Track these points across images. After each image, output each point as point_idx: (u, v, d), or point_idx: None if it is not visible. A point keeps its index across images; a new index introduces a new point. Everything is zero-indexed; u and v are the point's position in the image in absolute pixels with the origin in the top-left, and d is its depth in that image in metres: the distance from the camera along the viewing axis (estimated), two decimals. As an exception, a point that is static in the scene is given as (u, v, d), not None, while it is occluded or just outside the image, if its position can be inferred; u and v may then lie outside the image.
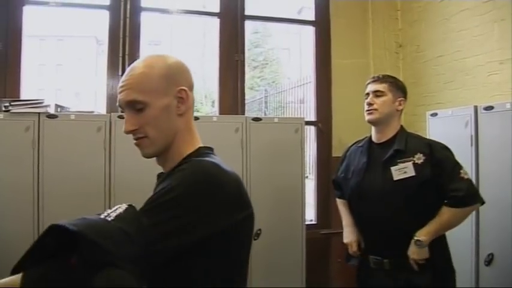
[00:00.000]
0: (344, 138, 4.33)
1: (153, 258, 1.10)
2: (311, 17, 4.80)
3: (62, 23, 21.08)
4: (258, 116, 3.85)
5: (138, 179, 3.07)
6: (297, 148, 3.84)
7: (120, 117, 3.26)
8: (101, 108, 4.08)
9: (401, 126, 2.66)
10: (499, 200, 2.92)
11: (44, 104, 3.31)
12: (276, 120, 4.00)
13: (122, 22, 4.07)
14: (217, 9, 4.46)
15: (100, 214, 1.09)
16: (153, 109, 1.30)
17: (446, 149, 2.50)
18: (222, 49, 4.43)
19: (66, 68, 24.54)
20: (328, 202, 4.49)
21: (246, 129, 3.71)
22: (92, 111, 3.68)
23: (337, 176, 2.94)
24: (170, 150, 1.35)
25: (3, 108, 3.25)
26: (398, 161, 2.49)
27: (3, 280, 1.14)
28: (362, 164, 2.67)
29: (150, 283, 1.11)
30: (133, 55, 3.99)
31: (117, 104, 1.36)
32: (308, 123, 4.53)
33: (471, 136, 3.26)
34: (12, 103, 3.26)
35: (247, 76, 4.62)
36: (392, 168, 2.49)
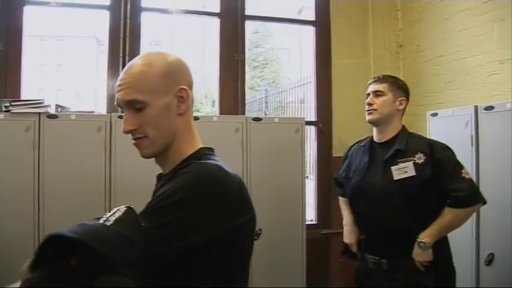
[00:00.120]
0: (344, 138, 4.34)
1: (154, 261, 1.10)
2: (311, 17, 4.80)
3: (62, 23, 21.12)
4: (259, 116, 3.85)
5: (138, 179, 3.07)
6: (297, 148, 3.84)
7: (121, 117, 3.26)
8: (101, 108, 4.09)
9: (403, 126, 2.65)
10: (500, 200, 2.92)
11: (44, 104, 3.32)
12: (276, 120, 4.00)
13: (122, 22, 4.07)
14: (217, 9, 4.46)
15: (99, 218, 1.07)
16: (153, 109, 1.27)
17: (447, 149, 2.50)
18: (222, 49, 4.43)
19: (66, 68, 24.56)
20: (328, 202, 4.50)
21: (247, 129, 3.71)
22: (92, 112, 3.68)
23: (338, 174, 2.95)
24: (170, 150, 1.33)
25: (4, 109, 3.25)
26: (399, 160, 2.49)
27: None
28: (363, 164, 2.67)
29: (152, 284, 1.10)
30: (134, 55, 3.94)
31: (115, 103, 1.32)
32: (308, 123, 4.53)
33: (471, 136, 3.26)
34: (12, 103, 3.26)
35: (247, 76, 4.62)
36: (393, 168, 2.49)
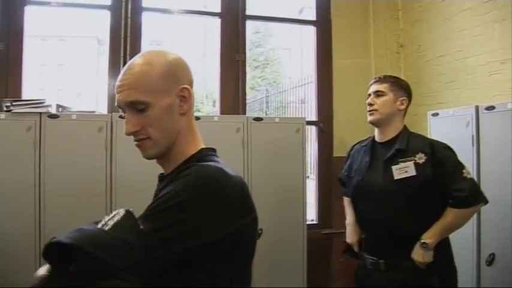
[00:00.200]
0: (345, 138, 4.34)
1: (155, 264, 1.09)
2: (312, 16, 4.80)
3: (63, 23, 21.12)
4: (259, 116, 3.85)
5: (139, 179, 3.08)
6: (298, 148, 3.84)
7: (122, 117, 3.25)
8: (102, 108, 4.09)
9: (405, 126, 2.66)
10: (501, 200, 2.91)
11: (45, 104, 3.32)
12: (277, 120, 4.01)
13: (123, 22, 4.07)
14: (218, 9, 4.46)
15: (97, 222, 1.07)
16: (156, 109, 1.25)
17: (448, 149, 2.50)
18: (223, 49, 4.43)
19: (67, 68, 24.58)
20: (329, 202, 4.51)
21: (247, 129, 3.71)
22: (93, 111, 3.69)
23: (341, 174, 2.96)
24: (172, 150, 1.31)
25: (5, 108, 3.26)
26: (400, 160, 2.49)
27: None
28: (365, 163, 2.68)
29: (153, 285, 1.10)
30: (135, 55, 3.96)
31: (116, 104, 1.30)
32: (309, 123, 4.53)
33: (472, 136, 3.26)
34: (13, 103, 3.27)
35: (248, 76, 4.63)
36: (393, 167, 2.49)
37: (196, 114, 1.40)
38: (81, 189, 3.27)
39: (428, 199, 2.44)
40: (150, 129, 1.27)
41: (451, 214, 2.40)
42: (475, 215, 3.00)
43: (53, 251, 1.02)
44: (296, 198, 3.82)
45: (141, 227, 1.09)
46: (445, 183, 2.40)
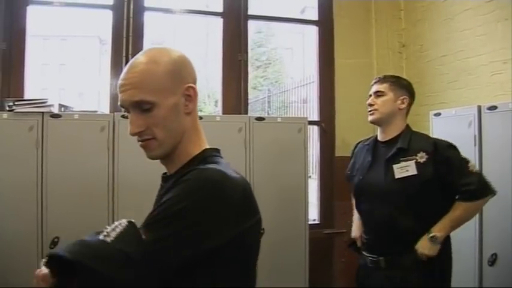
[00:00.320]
0: (347, 138, 4.34)
1: (157, 274, 1.07)
2: (314, 16, 4.80)
3: (66, 22, 21.06)
4: (261, 116, 3.85)
5: (141, 178, 3.09)
6: (300, 148, 3.84)
7: (124, 116, 3.27)
8: (105, 108, 4.09)
9: (407, 125, 2.67)
10: (503, 200, 2.90)
11: (47, 104, 3.32)
12: (279, 119, 4.01)
13: (125, 22, 4.07)
14: (220, 9, 4.46)
15: (99, 233, 1.06)
16: (162, 109, 1.22)
17: (452, 147, 2.51)
18: (225, 49, 4.43)
19: (69, 67, 24.62)
20: (331, 202, 4.51)
21: (249, 129, 3.71)
22: (96, 111, 3.70)
23: (347, 172, 2.97)
24: (176, 150, 1.28)
25: (7, 108, 3.26)
26: (401, 159, 2.50)
27: None
28: (366, 163, 2.70)
29: None
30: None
31: (119, 103, 1.26)
32: (311, 122, 4.53)
33: (474, 136, 3.26)
34: (16, 103, 3.27)
35: (250, 76, 4.62)
36: (395, 166, 2.50)
37: (198, 114, 1.38)
38: (83, 189, 3.27)
39: (429, 198, 2.45)
40: (156, 130, 1.24)
41: (460, 208, 2.42)
42: (477, 215, 3.01)
43: (55, 261, 1.02)
44: (298, 198, 3.82)
45: (143, 236, 1.07)
46: (453, 180, 2.42)
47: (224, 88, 4.42)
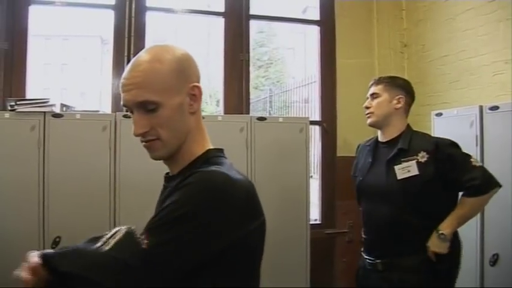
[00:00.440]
0: (349, 138, 4.34)
1: (161, 278, 1.06)
2: (316, 16, 4.80)
3: (67, 22, 21.12)
4: (263, 116, 3.86)
5: (143, 178, 3.09)
6: (302, 148, 3.84)
7: (125, 116, 3.27)
8: (106, 107, 4.09)
9: (408, 125, 2.66)
10: (504, 200, 2.90)
11: (49, 103, 3.33)
12: (280, 119, 4.01)
13: (127, 21, 4.08)
14: (222, 9, 4.46)
15: (98, 238, 1.06)
16: (167, 109, 1.20)
17: (453, 144, 2.49)
18: (227, 48, 4.43)
19: (71, 67, 24.65)
20: (332, 202, 4.50)
21: (251, 129, 3.71)
22: (97, 111, 3.71)
23: (351, 173, 2.98)
24: (181, 151, 1.26)
25: (9, 108, 3.27)
26: (402, 159, 2.49)
27: None
28: (367, 163, 2.70)
29: None
30: (139, 54, 3.99)
31: (122, 103, 1.23)
32: (313, 122, 4.53)
33: (476, 136, 3.25)
34: (17, 102, 3.28)
35: (252, 75, 4.62)
36: (396, 167, 2.49)
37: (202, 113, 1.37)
38: (85, 189, 3.27)
39: (430, 197, 2.44)
40: (160, 130, 1.21)
41: (466, 203, 2.42)
42: (478, 215, 3.01)
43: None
44: (299, 197, 3.81)
45: (145, 241, 1.06)
46: (457, 177, 2.40)
47: (226, 88, 4.42)
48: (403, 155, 2.50)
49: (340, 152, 4.49)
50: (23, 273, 1.03)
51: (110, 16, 4.12)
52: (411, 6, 4.75)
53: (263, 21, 5.75)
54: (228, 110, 4.36)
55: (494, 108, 3.17)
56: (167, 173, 1.35)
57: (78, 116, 3.38)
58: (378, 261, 2.54)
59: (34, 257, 1.04)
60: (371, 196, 2.63)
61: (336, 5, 4.68)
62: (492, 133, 3.19)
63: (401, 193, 2.46)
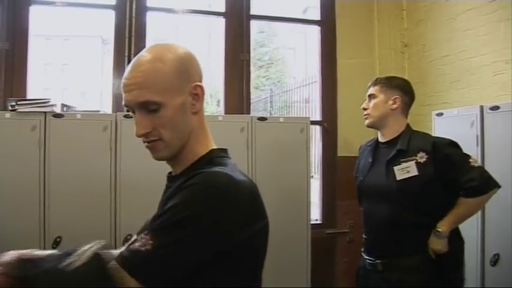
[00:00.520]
0: (349, 138, 4.34)
1: (162, 279, 1.06)
2: (316, 16, 4.80)
3: (68, 22, 21.16)
4: (264, 116, 3.86)
5: (144, 178, 3.09)
6: (302, 148, 3.84)
7: (126, 116, 3.27)
8: (107, 107, 4.10)
9: (408, 125, 2.65)
10: (505, 200, 2.90)
11: (50, 104, 3.33)
12: (281, 119, 4.01)
13: (127, 22, 4.08)
14: (222, 9, 4.46)
15: (70, 254, 1.09)
16: (169, 109, 1.18)
17: (452, 144, 2.49)
18: (228, 49, 4.43)
19: (72, 67, 24.67)
20: (333, 202, 4.50)
21: (252, 129, 3.71)
22: (98, 111, 3.71)
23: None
24: (183, 151, 1.24)
25: (10, 108, 3.27)
26: (401, 160, 2.49)
27: None
28: (367, 164, 2.70)
29: None
30: (139, 54, 3.99)
31: (124, 103, 1.22)
32: (313, 122, 4.53)
33: (477, 136, 3.25)
34: (18, 102, 3.28)
35: (252, 75, 4.62)
36: (395, 168, 2.49)
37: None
38: (86, 189, 3.27)
39: (430, 197, 2.43)
40: (163, 130, 1.20)
41: (464, 204, 2.41)
42: (479, 215, 3.02)
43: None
44: (300, 197, 3.81)
45: (151, 242, 1.07)
46: (455, 177, 2.40)
47: (226, 88, 4.42)
48: (402, 155, 2.50)
49: (341, 152, 4.49)
50: None
51: (110, 16, 4.12)
52: (412, 6, 4.75)
53: (264, 21, 5.75)
54: (228, 110, 4.36)
55: (495, 108, 3.17)
56: (170, 173, 1.34)
57: (78, 116, 3.38)
58: (377, 261, 2.54)
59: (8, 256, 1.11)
60: (371, 196, 2.63)
61: (336, 5, 4.68)
62: (493, 133, 3.19)
63: (400, 194, 2.46)
